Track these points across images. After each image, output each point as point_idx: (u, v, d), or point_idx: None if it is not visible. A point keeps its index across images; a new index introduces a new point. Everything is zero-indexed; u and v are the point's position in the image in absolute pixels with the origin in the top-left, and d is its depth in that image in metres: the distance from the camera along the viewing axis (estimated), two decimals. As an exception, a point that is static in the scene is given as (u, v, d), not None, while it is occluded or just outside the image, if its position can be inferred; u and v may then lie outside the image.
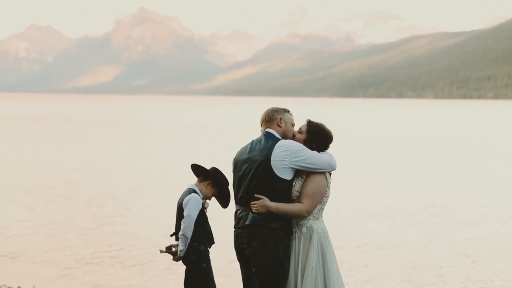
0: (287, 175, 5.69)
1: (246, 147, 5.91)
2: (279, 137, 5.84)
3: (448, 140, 43.41)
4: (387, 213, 16.04)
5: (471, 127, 65.15)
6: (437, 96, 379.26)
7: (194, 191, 6.08)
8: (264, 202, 5.65)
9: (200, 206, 6.02)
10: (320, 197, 5.75)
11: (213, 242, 6.12)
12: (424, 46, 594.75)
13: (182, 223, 6.00)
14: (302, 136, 5.90)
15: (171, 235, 6.22)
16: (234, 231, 5.86)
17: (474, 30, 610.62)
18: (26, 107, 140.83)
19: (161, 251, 6.18)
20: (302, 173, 5.77)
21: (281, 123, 5.88)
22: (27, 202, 17.31)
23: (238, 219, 5.82)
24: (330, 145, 5.95)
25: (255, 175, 5.71)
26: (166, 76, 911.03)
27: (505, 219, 15.48)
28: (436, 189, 20.53)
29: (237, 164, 5.89)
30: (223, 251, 10.48)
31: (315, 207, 5.74)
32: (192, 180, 6.33)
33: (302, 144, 5.79)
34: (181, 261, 6.07)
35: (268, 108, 6.00)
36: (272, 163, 5.67)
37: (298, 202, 5.74)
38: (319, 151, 5.83)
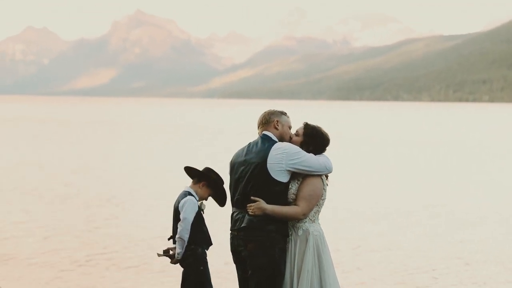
0: (283, 178, 5.71)
1: (243, 149, 5.93)
2: (276, 139, 5.86)
3: (444, 143, 43.46)
4: (383, 215, 16.04)
5: (467, 130, 65.24)
6: (433, 99, 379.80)
7: (190, 194, 6.10)
8: (260, 205, 5.66)
9: (196, 209, 6.04)
10: (317, 200, 5.76)
11: (210, 244, 6.15)
12: (421, 49, 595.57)
13: (178, 226, 6.01)
14: (299, 139, 5.91)
15: (169, 239, 6.23)
16: (231, 233, 5.87)
17: (471, 33, 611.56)
18: (23, 109, 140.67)
19: (159, 255, 6.21)
20: (298, 176, 5.78)
21: (278, 125, 5.90)
22: (23, 204, 17.28)
23: (234, 221, 5.83)
24: (327, 148, 5.96)
25: (251, 178, 5.73)
26: (163, 78, 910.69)
27: (501, 221, 15.49)
28: (432, 191, 20.54)
29: (234, 167, 5.90)
30: (219, 253, 10.47)
31: (311, 209, 5.75)
32: (188, 182, 6.53)
33: (298, 147, 5.80)
34: (178, 263, 6.09)
35: (265, 111, 6.01)
36: (268, 165, 5.68)
37: (295, 204, 5.74)
38: (316, 154, 5.84)
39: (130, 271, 10.72)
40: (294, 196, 5.77)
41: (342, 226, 14.57)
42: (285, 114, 6.01)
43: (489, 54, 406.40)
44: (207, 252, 6.16)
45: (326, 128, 6.04)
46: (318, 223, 5.85)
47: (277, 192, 5.71)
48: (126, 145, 40.06)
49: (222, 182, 6.19)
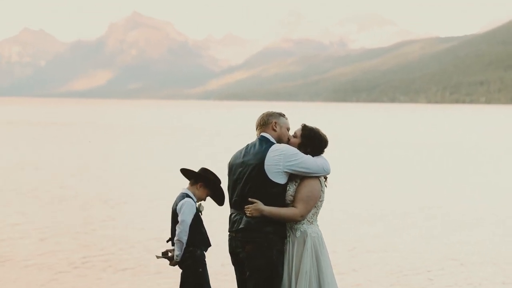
0: (281, 179, 5.71)
1: (241, 151, 5.93)
2: (274, 141, 5.86)
3: (441, 145, 43.50)
4: (379, 217, 16.06)
5: (464, 131, 65.31)
6: (429, 101, 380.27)
7: (188, 196, 6.10)
8: (257, 206, 5.66)
9: (194, 210, 6.04)
10: (314, 202, 5.75)
11: (209, 245, 6.15)
12: (417, 51, 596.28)
13: (177, 228, 6.01)
14: (297, 140, 5.91)
15: (167, 241, 6.23)
16: (229, 235, 5.87)
17: (467, 35, 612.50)
18: (19, 111, 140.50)
19: (158, 257, 6.21)
20: (296, 177, 5.77)
21: (276, 127, 5.90)
22: (20, 206, 17.27)
23: (232, 222, 5.84)
24: (326, 149, 5.96)
25: (249, 179, 5.73)
26: (160, 80, 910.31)
27: (497, 223, 15.51)
28: (428, 193, 20.56)
29: (232, 168, 5.90)
30: (217, 255, 10.48)
31: (309, 211, 5.74)
32: (185, 183, 6.51)
33: (296, 149, 5.80)
34: (177, 265, 6.09)
35: (263, 112, 6.01)
36: (265, 167, 5.68)
37: (292, 206, 5.74)
38: (313, 155, 5.83)
39: (127, 273, 10.71)
40: (292, 198, 5.76)
41: (338, 227, 14.58)
42: (283, 115, 6.00)
43: (485, 56, 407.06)
44: (206, 253, 6.16)
45: (323, 130, 6.04)
46: (317, 224, 5.84)
47: (274, 193, 5.71)
48: (123, 146, 40.04)
49: (219, 182, 6.18)
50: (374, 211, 16.95)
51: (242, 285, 5.88)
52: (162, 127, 69.95)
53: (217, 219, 11.10)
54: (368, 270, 11.02)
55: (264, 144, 5.81)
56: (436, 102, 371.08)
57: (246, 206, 5.71)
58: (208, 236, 6.18)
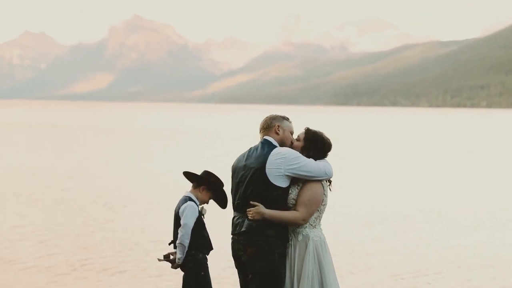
0: (282, 183, 5.71)
1: (244, 154, 5.93)
2: (277, 144, 5.85)
3: (441, 148, 43.47)
4: (379, 220, 16.03)
5: (465, 135, 65.30)
6: (430, 104, 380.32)
7: (190, 199, 6.11)
8: (259, 209, 5.67)
9: (197, 214, 6.05)
10: (317, 205, 5.73)
11: (211, 249, 6.16)
12: (418, 55, 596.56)
13: (179, 231, 6.01)
14: (300, 144, 5.89)
15: (169, 244, 6.22)
16: (232, 238, 5.90)
17: (468, 39, 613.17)
18: (20, 113, 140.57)
19: (159, 259, 6.23)
20: (298, 181, 5.76)
21: (279, 130, 5.90)
22: (19, 208, 17.25)
23: (234, 225, 5.85)
24: (329, 153, 5.94)
25: (250, 182, 5.74)
26: (160, 83, 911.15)
27: (497, 226, 15.49)
28: (429, 196, 20.54)
29: (235, 171, 5.91)
30: (218, 258, 10.46)
31: (311, 215, 5.72)
32: (186, 186, 6.49)
33: (298, 152, 5.79)
34: (179, 268, 6.10)
35: (267, 116, 6.01)
36: (267, 170, 5.69)
37: (294, 209, 5.72)
38: (316, 159, 5.81)
39: (126, 275, 10.69)
40: (294, 201, 5.74)
41: (340, 230, 14.56)
42: (287, 119, 6.01)
43: (486, 60, 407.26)
44: (208, 256, 6.17)
45: (327, 134, 6.03)
46: (320, 228, 5.83)
47: (275, 197, 5.71)
48: (123, 150, 40.03)
49: (222, 185, 6.19)
50: (374, 214, 16.93)
51: (246, 288, 5.89)
52: (162, 130, 69.96)
53: (219, 222, 11.09)
54: (368, 273, 11.00)
55: (266, 147, 5.81)
56: (437, 106, 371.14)
57: (247, 209, 5.72)
58: (210, 239, 6.19)
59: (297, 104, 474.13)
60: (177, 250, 6.04)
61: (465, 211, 17.86)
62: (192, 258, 6.01)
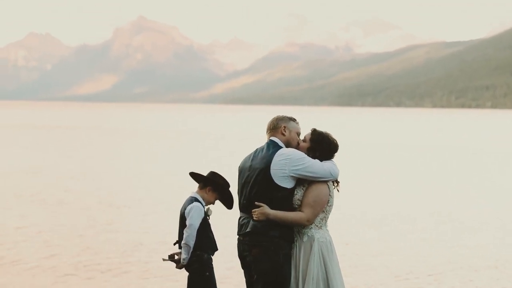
0: (287, 184, 5.71)
1: (250, 155, 5.95)
2: (282, 145, 5.85)
3: (446, 149, 43.41)
4: (384, 221, 16.00)
5: (470, 136, 65.19)
6: (435, 105, 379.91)
7: (196, 200, 6.12)
8: (263, 210, 5.67)
9: (203, 215, 6.06)
10: (322, 206, 5.71)
11: (216, 249, 6.16)
12: (423, 56, 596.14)
13: (184, 232, 6.02)
14: (306, 145, 5.89)
15: (174, 244, 6.25)
16: (238, 239, 5.92)
17: (473, 39, 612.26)
18: (25, 114, 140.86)
19: (164, 259, 6.25)
20: (304, 182, 5.75)
21: (285, 131, 5.91)
22: (24, 209, 17.28)
23: (240, 226, 5.87)
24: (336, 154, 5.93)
25: (255, 183, 5.75)
26: (165, 84, 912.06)
27: (502, 227, 15.47)
28: (433, 197, 20.51)
29: (241, 172, 5.94)
30: (223, 258, 10.46)
31: (316, 216, 5.71)
32: (190, 186, 6.52)
33: (303, 153, 5.78)
34: (183, 268, 6.11)
35: (274, 116, 6.02)
36: (271, 171, 5.70)
37: (300, 210, 5.71)
38: (322, 160, 5.79)
39: (131, 275, 10.70)
40: (299, 202, 5.73)
41: (345, 231, 14.55)
42: (294, 120, 6.01)
43: (491, 61, 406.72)
44: (212, 257, 6.18)
45: (333, 135, 6.01)
46: (326, 229, 5.81)
47: (280, 198, 5.71)
48: (128, 150, 40.07)
49: (228, 186, 6.20)
50: (378, 214, 16.90)
51: (252, 288, 5.90)
52: (167, 131, 70.02)
53: (224, 223, 11.10)
54: (371, 273, 10.99)
55: (271, 148, 5.81)
56: (442, 106, 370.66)
57: (253, 210, 5.72)
58: (215, 240, 6.20)
59: (301, 104, 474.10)
60: (182, 251, 6.04)
61: (470, 211, 17.83)
62: (197, 258, 6.02)
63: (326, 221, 5.81)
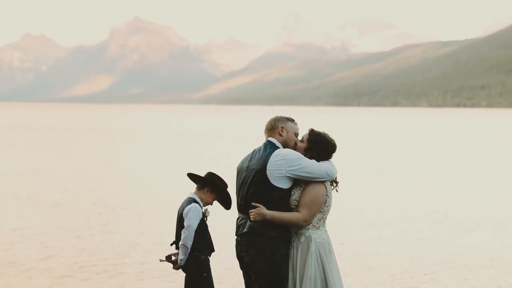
0: (283, 184, 5.71)
1: (248, 156, 5.95)
2: (280, 146, 5.85)
3: (442, 148, 43.47)
4: (380, 220, 16.04)
5: (465, 135, 65.28)
6: (431, 104, 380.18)
7: (194, 200, 6.11)
8: (260, 210, 5.67)
9: (201, 216, 6.06)
10: (319, 207, 5.70)
11: (213, 250, 6.17)
12: (419, 55, 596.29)
13: (182, 233, 6.01)
14: (303, 145, 5.87)
15: (171, 244, 6.24)
16: (235, 239, 5.93)
17: (468, 39, 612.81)
18: (21, 116, 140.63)
19: (161, 260, 6.24)
20: (301, 182, 5.74)
21: (282, 132, 5.90)
22: (21, 210, 17.27)
23: (237, 226, 5.88)
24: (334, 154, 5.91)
25: (252, 184, 5.76)
26: (161, 85, 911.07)
27: (498, 226, 15.50)
28: (430, 196, 20.55)
29: (239, 173, 5.95)
30: (220, 259, 10.47)
31: (313, 216, 5.69)
32: (186, 187, 6.50)
33: (299, 153, 5.77)
34: (181, 269, 6.11)
35: (272, 117, 6.01)
36: (267, 172, 5.70)
37: (297, 211, 5.70)
38: (319, 160, 5.78)
39: (127, 276, 10.71)
40: (296, 203, 5.72)
41: (341, 231, 14.57)
42: (291, 120, 6.01)
43: (486, 60, 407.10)
44: (210, 257, 6.18)
45: (331, 135, 6.00)
46: (325, 230, 5.79)
47: (276, 198, 5.71)
48: (124, 151, 40.06)
49: (226, 186, 6.21)
50: (374, 214, 16.93)
51: (250, 288, 5.90)
52: (163, 131, 69.99)
53: (221, 224, 11.11)
54: (367, 273, 11.01)
55: (268, 148, 5.81)
56: (438, 106, 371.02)
57: (249, 211, 5.73)
58: (212, 240, 6.20)
59: (298, 104, 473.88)
60: (180, 251, 6.04)
61: (465, 211, 17.87)
62: (194, 259, 6.02)
63: (324, 221, 5.78)
